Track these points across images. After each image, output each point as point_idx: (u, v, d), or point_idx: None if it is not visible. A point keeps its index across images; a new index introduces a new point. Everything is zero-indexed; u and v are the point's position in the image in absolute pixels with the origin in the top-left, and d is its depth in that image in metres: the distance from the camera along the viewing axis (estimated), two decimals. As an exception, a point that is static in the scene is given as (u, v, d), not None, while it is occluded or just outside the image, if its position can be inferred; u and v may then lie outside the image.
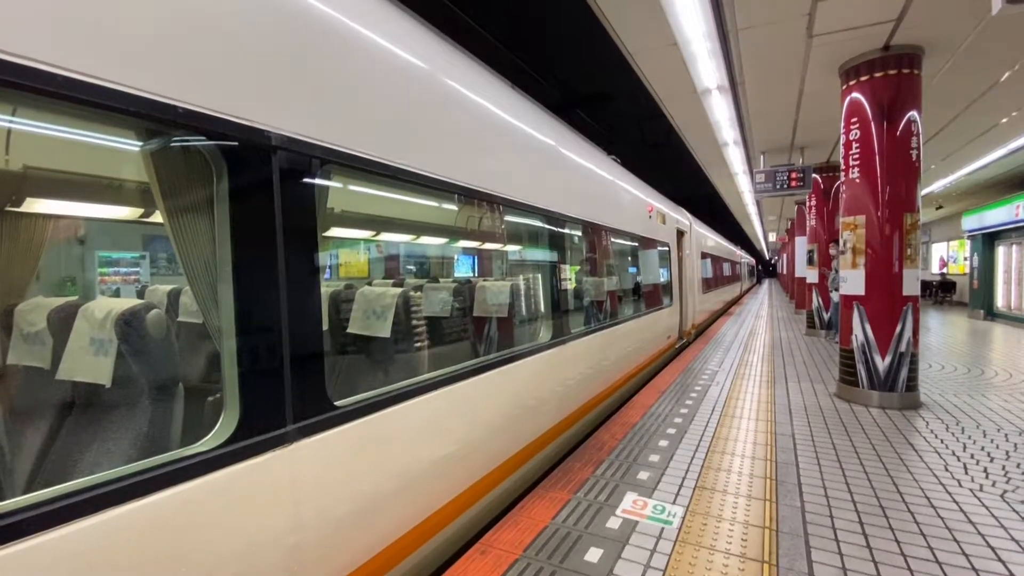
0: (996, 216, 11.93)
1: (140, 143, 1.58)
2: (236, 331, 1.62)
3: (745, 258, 36.18)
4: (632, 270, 7.05)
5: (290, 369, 1.76)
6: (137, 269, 5.30)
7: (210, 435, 1.58)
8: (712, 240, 16.21)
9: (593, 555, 2.42)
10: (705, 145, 8.82)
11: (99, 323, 1.68)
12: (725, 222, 27.35)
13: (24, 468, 1.77)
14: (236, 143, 1.62)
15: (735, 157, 9.53)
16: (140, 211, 2.98)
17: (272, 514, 1.69)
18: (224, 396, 1.63)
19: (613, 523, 2.72)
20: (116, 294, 4.58)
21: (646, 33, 4.62)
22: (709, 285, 14.50)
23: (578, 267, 4.90)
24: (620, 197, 6.14)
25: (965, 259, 15.46)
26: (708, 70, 5.39)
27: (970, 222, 13.27)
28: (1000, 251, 12.58)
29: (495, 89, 3.43)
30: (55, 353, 1.87)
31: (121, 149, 1.86)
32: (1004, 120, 7.18)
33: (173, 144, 1.58)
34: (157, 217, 2.87)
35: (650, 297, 7.49)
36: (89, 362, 1.68)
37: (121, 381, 1.67)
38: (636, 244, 7.04)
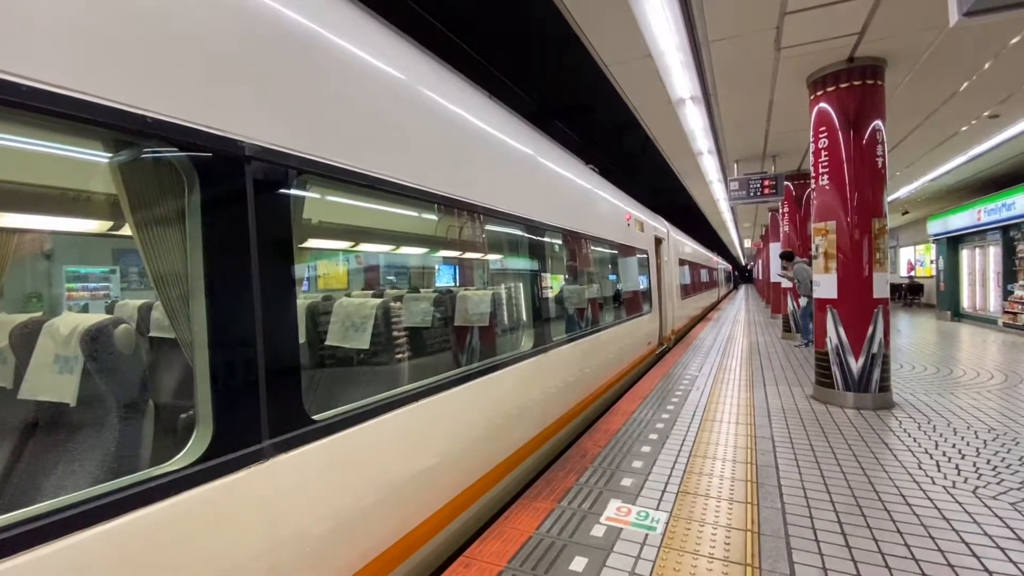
0: (959, 220, 12.40)
1: (109, 154, 1.54)
2: (209, 345, 1.57)
3: (722, 264, 36.80)
4: (612, 277, 7.12)
5: (265, 383, 1.71)
6: (107, 284, 5.15)
7: (182, 453, 1.53)
8: (689, 247, 16.46)
9: (578, 564, 2.41)
10: (680, 154, 8.99)
11: (64, 339, 1.62)
12: (702, 229, 27.84)
13: None
14: (208, 154, 1.59)
15: (710, 166, 9.73)
16: (109, 224, 2.90)
17: (249, 533, 1.64)
18: (197, 412, 1.58)
19: (597, 531, 2.71)
20: (84, 310, 4.44)
21: (621, 45, 4.70)
22: (687, 291, 14.70)
23: (558, 275, 4.92)
24: (599, 206, 6.20)
25: (931, 262, 16.00)
26: (682, 81, 5.50)
27: (935, 226, 13.77)
28: (964, 254, 13.06)
29: (473, 99, 3.45)
30: (18, 372, 1.80)
31: (88, 160, 1.81)
32: (964, 128, 7.47)
33: (143, 155, 1.55)
34: (126, 230, 2.80)
35: (630, 304, 7.56)
36: (54, 380, 1.62)
37: (88, 399, 1.61)
38: (615, 252, 7.11)
